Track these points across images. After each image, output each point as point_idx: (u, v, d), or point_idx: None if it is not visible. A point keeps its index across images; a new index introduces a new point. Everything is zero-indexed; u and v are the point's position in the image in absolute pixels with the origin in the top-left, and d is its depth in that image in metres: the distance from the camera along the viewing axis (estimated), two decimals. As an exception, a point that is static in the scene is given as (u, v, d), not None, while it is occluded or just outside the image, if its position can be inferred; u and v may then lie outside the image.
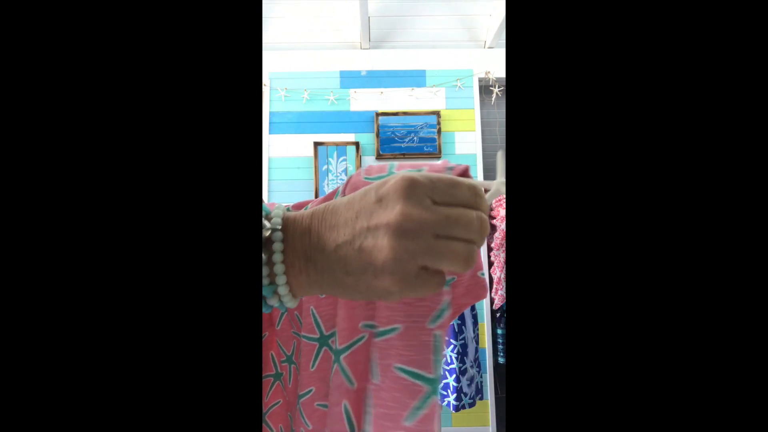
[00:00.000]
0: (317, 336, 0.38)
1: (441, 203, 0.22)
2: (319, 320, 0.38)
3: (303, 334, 0.39)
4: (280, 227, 0.26)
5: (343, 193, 0.36)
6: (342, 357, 0.34)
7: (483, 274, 0.34)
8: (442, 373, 0.32)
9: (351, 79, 2.22)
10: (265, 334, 0.45)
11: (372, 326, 0.33)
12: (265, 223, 0.27)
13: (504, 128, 2.40)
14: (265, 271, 0.26)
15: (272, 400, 0.44)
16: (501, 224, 2.04)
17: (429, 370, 0.29)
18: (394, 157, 2.14)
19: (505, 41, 2.20)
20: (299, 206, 0.43)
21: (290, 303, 0.26)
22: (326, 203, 0.26)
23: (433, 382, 0.29)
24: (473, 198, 0.23)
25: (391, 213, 0.21)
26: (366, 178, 0.35)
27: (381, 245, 0.21)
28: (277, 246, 0.26)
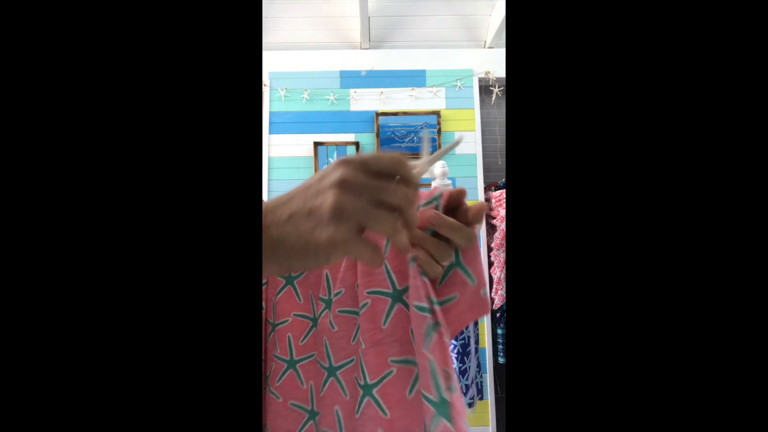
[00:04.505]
0: (327, 366, 0.41)
1: (372, 174, 0.27)
2: (330, 354, 0.41)
3: (318, 360, 0.42)
4: None
5: None
6: (374, 390, 0.37)
7: (485, 293, 0.35)
8: (448, 398, 0.32)
9: (351, 79, 2.22)
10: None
11: (398, 361, 0.37)
12: None
13: (504, 128, 2.39)
14: None
15: None
16: (501, 224, 2.04)
17: (431, 393, 0.30)
18: (394, 157, 2.13)
19: (505, 41, 2.20)
20: None
21: None
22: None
23: (438, 405, 0.30)
24: (396, 166, 0.28)
25: (335, 176, 0.26)
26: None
27: (327, 198, 0.26)
28: None
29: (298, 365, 0.43)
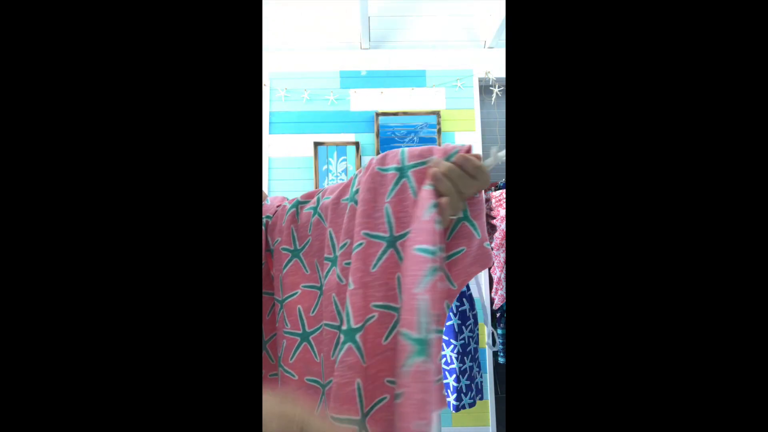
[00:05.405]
0: (337, 325, 0.40)
1: None
2: (340, 309, 0.41)
3: (326, 322, 0.42)
4: None
5: (360, 182, 0.41)
6: (357, 336, 0.37)
7: (488, 245, 0.37)
8: (430, 337, 0.34)
9: (351, 79, 2.22)
10: (275, 333, 0.46)
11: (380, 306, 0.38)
12: None
13: (504, 128, 2.39)
14: None
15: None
16: (501, 224, 2.04)
17: (413, 331, 0.32)
18: (394, 157, 2.13)
19: (505, 41, 2.20)
20: (310, 195, 0.47)
21: None
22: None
23: (419, 342, 0.31)
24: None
25: None
26: (378, 169, 0.40)
27: None
28: None
29: (311, 337, 0.43)
